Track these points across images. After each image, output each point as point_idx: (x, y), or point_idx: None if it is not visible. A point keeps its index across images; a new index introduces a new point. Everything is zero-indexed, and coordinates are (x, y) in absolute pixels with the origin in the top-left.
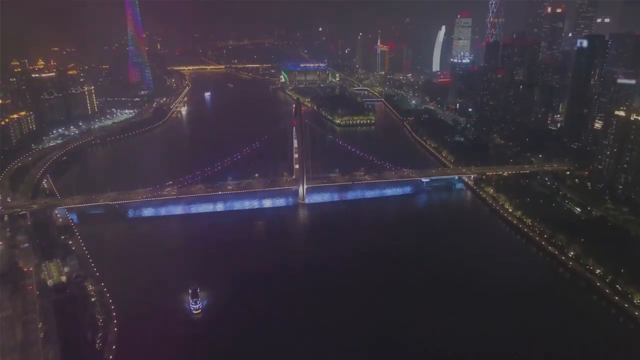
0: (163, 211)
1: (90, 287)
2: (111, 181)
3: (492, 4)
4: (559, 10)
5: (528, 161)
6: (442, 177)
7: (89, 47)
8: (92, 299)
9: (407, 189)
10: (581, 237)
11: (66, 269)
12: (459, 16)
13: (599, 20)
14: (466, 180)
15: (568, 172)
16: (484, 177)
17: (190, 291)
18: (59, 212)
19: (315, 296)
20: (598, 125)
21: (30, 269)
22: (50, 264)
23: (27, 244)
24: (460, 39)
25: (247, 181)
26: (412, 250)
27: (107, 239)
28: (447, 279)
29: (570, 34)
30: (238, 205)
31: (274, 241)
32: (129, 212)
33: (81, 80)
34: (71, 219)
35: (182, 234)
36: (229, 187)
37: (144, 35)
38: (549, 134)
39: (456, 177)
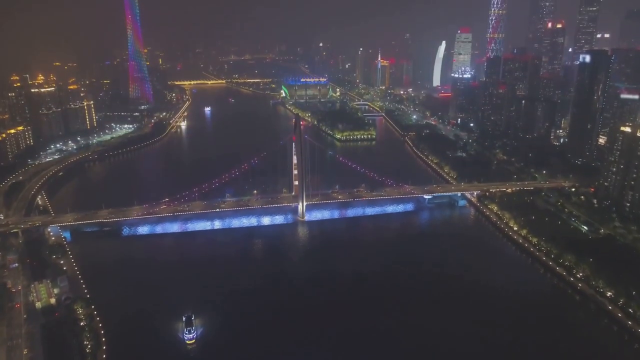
0: (159, 229)
1: (80, 311)
2: (107, 197)
3: (491, 19)
4: (559, 26)
5: (532, 177)
6: (444, 194)
7: (91, 62)
8: (82, 323)
9: (409, 206)
10: (589, 257)
11: (56, 291)
12: (459, 31)
13: (598, 35)
14: (469, 197)
15: (573, 189)
16: (487, 193)
17: (184, 319)
18: (51, 230)
19: (317, 321)
20: (602, 140)
21: (19, 288)
22: (40, 285)
23: (16, 264)
24: (460, 54)
25: (245, 198)
26: (414, 269)
27: (100, 258)
28: (450, 299)
29: (570, 49)
30: (236, 222)
31: (273, 261)
32: (124, 229)
33: (81, 95)
34: (64, 237)
35: (178, 253)
36: (227, 204)
37: (146, 51)
38: (552, 149)
39: (459, 193)
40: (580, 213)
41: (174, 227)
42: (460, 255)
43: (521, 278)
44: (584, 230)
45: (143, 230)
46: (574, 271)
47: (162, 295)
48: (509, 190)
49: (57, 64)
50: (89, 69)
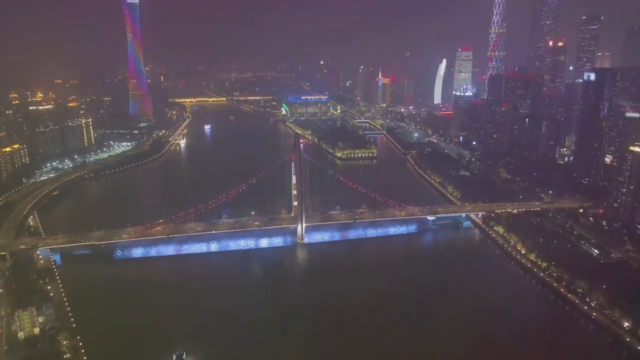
0: (153, 252)
1: (64, 342)
2: (101, 218)
3: (492, 37)
4: (560, 44)
5: (537, 197)
6: (448, 214)
7: (93, 79)
8: (65, 356)
9: (412, 228)
10: (603, 284)
11: (41, 319)
12: (459, 50)
13: (599, 53)
14: (474, 217)
15: (581, 210)
16: (492, 214)
17: (174, 357)
18: (40, 253)
19: (318, 350)
20: (608, 159)
21: (2, 315)
22: (24, 313)
23: (1, 290)
24: (461, 72)
25: (243, 219)
26: (416, 295)
27: (90, 283)
28: (454, 328)
29: (570, 67)
30: (233, 245)
31: (271, 287)
32: (116, 252)
33: (81, 112)
34: (53, 260)
35: (172, 278)
36: (224, 226)
37: (148, 68)
38: (557, 168)
39: (463, 214)
40: (590, 235)
41: (169, 250)
42: (466, 280)
43: (531, 305)
44: (594, 254)
45: (136, 252)
46: (588, 299)
47: (154, 325)
48: (515, 211)
49: (59, 81)
50: (90, 87)
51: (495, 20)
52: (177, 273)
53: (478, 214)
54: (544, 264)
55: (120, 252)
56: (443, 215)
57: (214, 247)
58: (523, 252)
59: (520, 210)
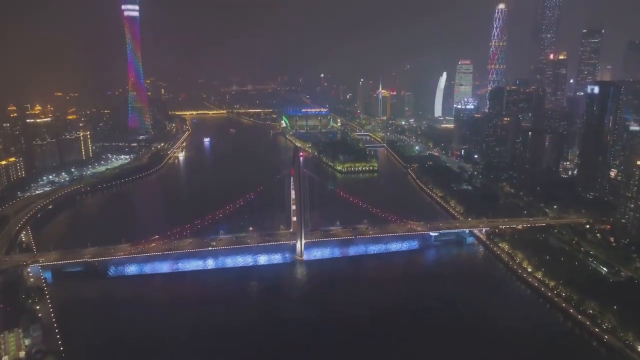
0: (148, 269)
1: None
2: (96, 233)
3: (492, 51)
4: (561, 57)
5: (542, 212)
6: (451, 230)
7: (93, 92)
8: None
9: (414, 244)
10: (614, 304)
11: (27, 342)
12: (460, 62)
13: (599, 66)
14: (477, 233)
15: (588, 226)
16: (496, 230)
17: None
18: (31, 270)
19: None
20: (613, 173)
21: None
22: (10, 334)
23: None
24: (461, 84)
25: (240, 235)
26: (420, 315)
27: (81, 303)
28: (459, 349)
29: (571, 80)
30: (230, 261)
31: (269, 306)
32: (110, 269)
33: (80, 125)
34: (44, 278)
35: (167, 296)
36: (221, 242)
37: (149, 81)
38: (561, 182)
39: (467, 230)
40: (598, 253)
41: (164, 267)
42: (471, 299)
43: (539, 327)
44: (603, 273)
45: (130, 270)
46: (599, 321)
47: (146, 350)
48: (520, 226)
49: (59, 94)
50: (90, 99)
51: (495, 34)
52: (172, 291)
53: (482, 230)
54: (552, 283)
55: (113, 269)
56: (446, 231)
57: (210, 264)
58: (529, 270)
59: (525, 225)
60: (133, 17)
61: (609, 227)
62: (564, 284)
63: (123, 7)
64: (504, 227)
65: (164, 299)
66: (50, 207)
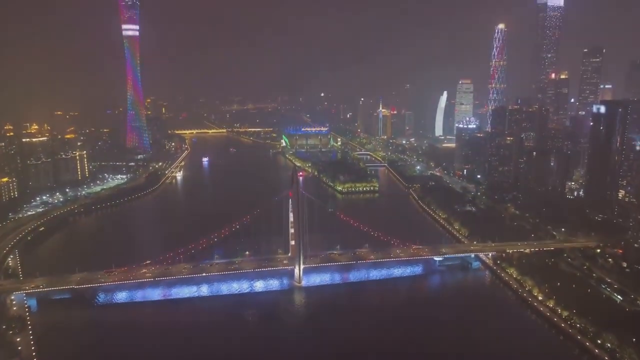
0: (139, 296)
1: None
2: (86, 257)
3: (492, 70)
4: (563, 76)
5: (550, 235)
6: (456, 255)
7: (93, 110)
8: None
9: (418, 269)
10: (632, 336)
11: None
12: (460, 82)
13: (601, 86)
14: (483, 257)
15: (598, 250)
16: (503, 254)
17: None
18: (15, 298)
19: None
20: (621, 194)
21: None
22: None
23: None
24: (462, 103)
25: (236, 260)
26: (424, 345)
27: (67, 333)
28: None
29: (572, 100)
30: (225, 288)
31: (266, 336)
32: (98, 296)
33: (79, 144)
34: (28, 306)
35: (159, 325)
36: (216, 267)
37: (149, 100)
38: (567, 203)
39: (472, 254)
40: (611, 279)
41: (156, 294)
42: (479, 329)
43: None
44: (618, 301)
45: (120, 297)
46: (618, 355)
47: None
48: (527, 250)
49: (59, 112)
50: (90, 118)
51: (495, 53)
52: (164, 320)
53: (488, 254)
54: (565, 313)
55: (102, 296)
56: (451, 255)
57: (204, 290)
58: (540, 298)
59: (532, 249)
60: (133, 37)
61: (620, 251)
62: (578, 313)
63: (123, 26)
64: (510, 251)
65: (156, 328)
66: (42, 229)
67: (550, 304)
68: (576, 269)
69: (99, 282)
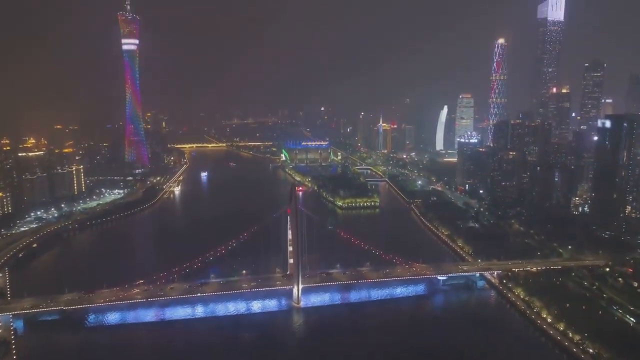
0: (131, 317)
1: None
2: (77, 276)
3: (493, 84)
4: (564, 91)
5: (556, 253)
6: (461, 274)
7: (93, 124)
8: None
9: (421, 289)
10: None
11: None
12: (461, 96)
13: (602, 100)
14: (489, 277)
15: (607, 269)
16: (509, 273)
17: None
18: (1, 320)
19: None
20: (627, 210)
21: None
22: None
23: None
24: (463, 118)
25: (232, 279)
26: None
27: (53, 358)
28: None
29: (572, 114)
30: (221, 309)
31: (262, 359)
32: (89, 317)
33: (77, 158)
34: (14, 328)
35: (152, 349)
36: (211, 287)
37: (150, 115)
38: (573, 220)
39: (477, 273)
40: (622, 300)
41: (149, 315)
42: (485, 354)
43: None
44: (632, 324)
45: (111, 318)
46: None
47: None
48: (534, 269)
49: (59, 126)
50: (89, 132)
51: (496, 68)
52: (158, 342)
53: (493, 273)
54: (577, 337)
55: (93, 317)
56: (455, 274)
57: (199, 311)
58: (549, 320)
59: (539, 268)
60: (132, 51)
61: (630, 270)
62: (590, 337)
63: (123, 40)
64: (517, 269)
65: (148, 352)
66: (34, 245)
67: (561, 326)
68: (585, 289)
69: (89, 302)
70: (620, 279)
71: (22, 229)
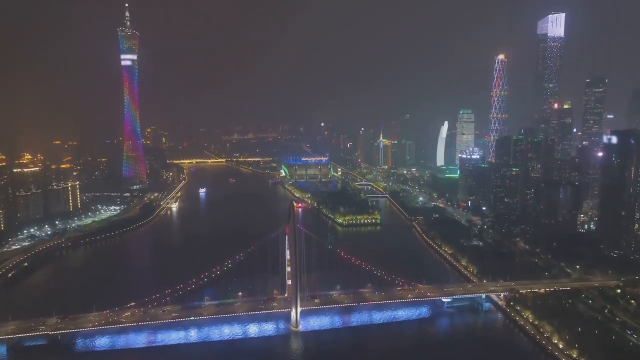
0: (121, 342)
1: None
2: (67, 297)
3: (493, 100)
4: (566, 106)
5: (564, 273)
6: (466, 295)
7: (91, 140)
8: None
9: (424, 311)
10: None
11: None
12: (461, 112)
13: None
14: (495, 298)
15: (618, 290)
16: (516, 295)
17: None
18: None
19: None
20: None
21: None
22: None
23: None
24: (463, 134)
25: (228, 302)
26: None
27: None
28: None
29: (574, 129)
30: (216, 333)
31: None
32: (77, 342)
33: (74, 174)
34: None
35: None
36: (206, 310)
37: (149, 130)
38: (580, 238)
39: (483, 295)
40: (636, 323)
41: (139, 340)
42: None
43: None
44: None
45: (101, 343)
46: None
47: None
48: (542, 290)
49: (57, 142)
50: (89, 148)
51: (496, 83)
52: None
53: (500, 294)
54: None
55: (81, 342)
56: (460, 296)
57: (193, 336)
58: (561, 346)
59: (547, 289)
60: (131, 67)
61: None
62: None
63: (122, 56)
64: (524, 291)
65: None
66: (25, 264)
67: (574, 353)
68: (597, 312)
69: (77, 327)
70: (632, 301)
71: (14, 247)
